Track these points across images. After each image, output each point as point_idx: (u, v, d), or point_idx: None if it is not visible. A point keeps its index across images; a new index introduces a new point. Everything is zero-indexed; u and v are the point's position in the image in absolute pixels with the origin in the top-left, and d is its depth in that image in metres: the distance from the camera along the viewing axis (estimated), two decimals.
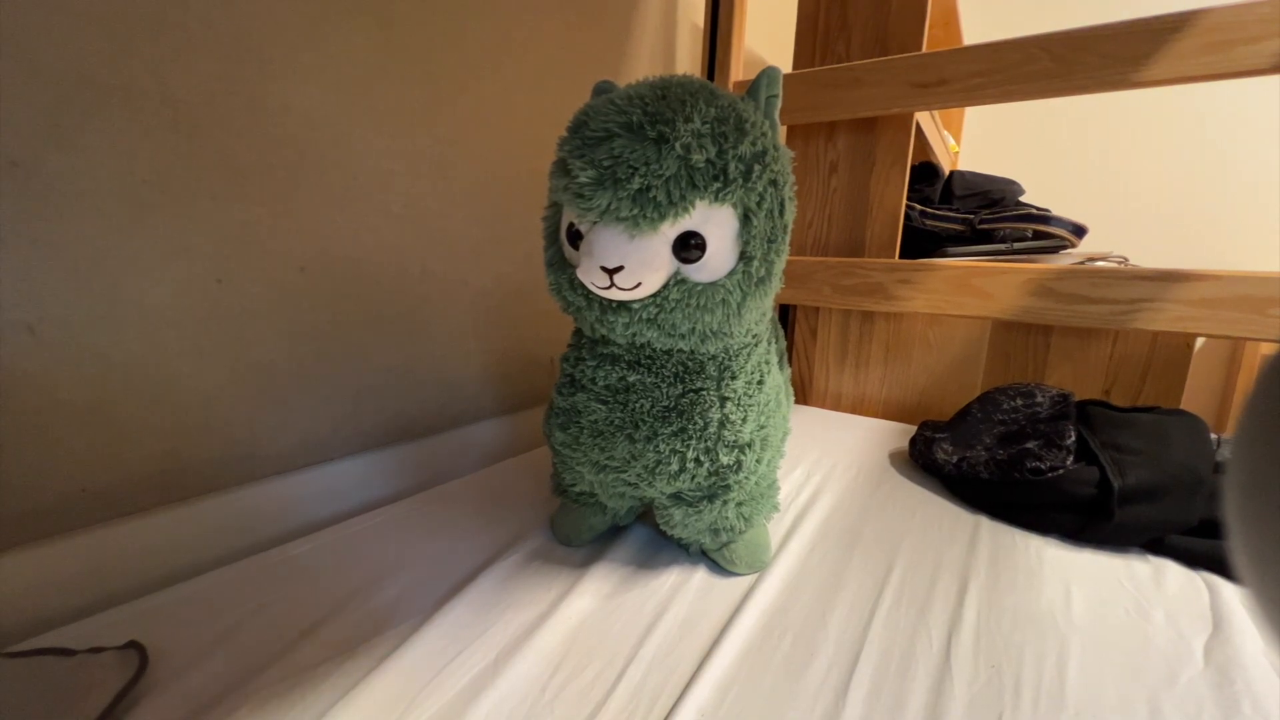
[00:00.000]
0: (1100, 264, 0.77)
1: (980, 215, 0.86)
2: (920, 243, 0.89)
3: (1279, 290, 0.58)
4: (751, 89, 0.36)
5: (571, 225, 0.36)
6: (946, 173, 1.00)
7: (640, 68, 0.91)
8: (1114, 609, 0.41)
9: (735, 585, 0.42)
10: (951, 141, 1.29)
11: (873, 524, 0.52)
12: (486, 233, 0.68)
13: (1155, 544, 0.48)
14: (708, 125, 0.32)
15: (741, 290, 0.35)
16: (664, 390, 0.38)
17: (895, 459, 0.68)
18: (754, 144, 0.33)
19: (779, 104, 0.37)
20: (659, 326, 0.35)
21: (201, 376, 0.46)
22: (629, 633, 0.37)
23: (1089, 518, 0.49)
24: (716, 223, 0.33)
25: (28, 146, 0.36)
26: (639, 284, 0.33)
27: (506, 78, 0.68)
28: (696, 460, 0.39)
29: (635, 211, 0.31)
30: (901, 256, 0.84)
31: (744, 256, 0.34)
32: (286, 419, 0.53)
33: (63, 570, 0.38)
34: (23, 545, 0.37)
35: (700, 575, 0.43)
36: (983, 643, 0.37)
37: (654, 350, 0.38)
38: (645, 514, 0.51)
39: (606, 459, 0.40)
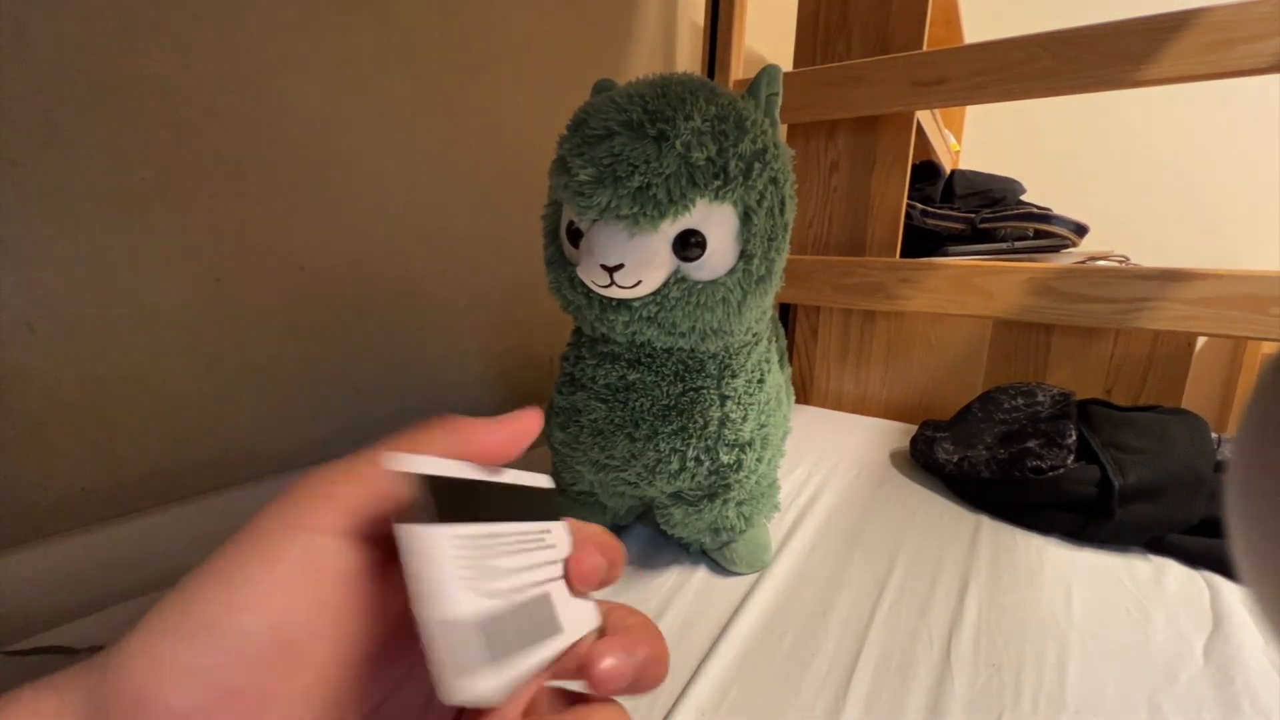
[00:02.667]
0: (1101, 263, 0.76)
1: (981, 214, 0.85)
2: (921, 242, 0.89)
3: None
4: (752, 87, 0.36)
5: (571, 223, 0.36)
6: (947, 171, 1.00)
7: (640, 66, 0.91)
8: (1114, 608, 0.41)
9: (736, 585, 0.42)
10: (952, 140, 1.29)
11: (873, 523, 0.52)
12: (486, 232, 0.68)
13: (1156, 543, 0.48)
14: (708, 123, 0.32)
15: (742, 288, 0.34)
16: (664, 389, 0.38)
17: (896, 458, 0.68)
18: (754, 142, 0.33)
19: (779, 102, 0.37)
20: (659, 325, 0.35)
21: (201, 376, 0.46)
22: None
23: (1090, 517, 0.49)
24: (716, 221, 0.33)
25: (28, 146, 0.36)
26: (639, 282, 0.33)
27: (506, 76, 0.68)
28: (697, 459, 0.39)
29: (635, 209, 0.31)
30: (902, 255, 0.84)
31: (744, 255, 0.34)
32: (286, 418, 0.52)
33: (63, 569, 0.38)
34: (23, 545, 0.37)
35: (700, 575, 0.43)
36: (983, 642, 0.37)
37: (654, 349, 0.38)
38: (645, 513, 0.51)
39: (606, 458, 0.40)
